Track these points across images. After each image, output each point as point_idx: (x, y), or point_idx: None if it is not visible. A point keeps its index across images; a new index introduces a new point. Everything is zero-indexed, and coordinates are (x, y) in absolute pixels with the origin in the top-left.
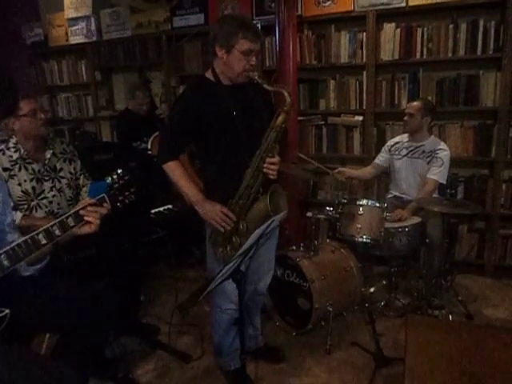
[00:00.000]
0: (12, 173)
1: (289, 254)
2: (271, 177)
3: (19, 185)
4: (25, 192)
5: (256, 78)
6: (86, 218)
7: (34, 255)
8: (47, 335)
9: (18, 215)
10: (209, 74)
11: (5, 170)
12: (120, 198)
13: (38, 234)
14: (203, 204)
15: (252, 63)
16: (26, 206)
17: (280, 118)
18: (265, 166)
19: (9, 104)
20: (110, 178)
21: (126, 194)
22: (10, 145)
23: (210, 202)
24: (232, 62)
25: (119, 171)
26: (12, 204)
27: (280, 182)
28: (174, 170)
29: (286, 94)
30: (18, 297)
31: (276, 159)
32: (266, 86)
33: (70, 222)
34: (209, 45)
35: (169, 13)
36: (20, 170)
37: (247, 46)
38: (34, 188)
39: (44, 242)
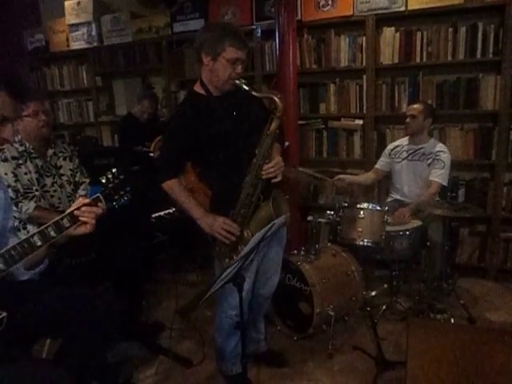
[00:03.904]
0: (20, 162)
1: (290, 257)
2: (276, 179)
3: (26, 174)
4: (30, 181)
5: (243, 85)
6: (81, 219)
7: (30, 257)
8: (48, 340)
9: (32, 205)
10: (198, 88)
11: (13, 158)
12: (115, 197)
13: (32, 236)
14: (205, 219)
15: (238, 71)
16: (31, 195)
17: (273, 124)
18: (263, 173)
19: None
20: (104, 178)
21: (121, 193)
22: (16, 140)
23: (212, 215)
24: (218, 69)
25: (114, 170)
26: (22, 191)
27: (280, 186)
28: (173, 188)
29: (276, 100)
30: (16, 301)
31: (276, 160)
32: (254, 92)
33: (65, 222)
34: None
35: (169, 18)
36: (26, 161)
37: (234, 54)
38: (38, 179)
39: (39, 243)
